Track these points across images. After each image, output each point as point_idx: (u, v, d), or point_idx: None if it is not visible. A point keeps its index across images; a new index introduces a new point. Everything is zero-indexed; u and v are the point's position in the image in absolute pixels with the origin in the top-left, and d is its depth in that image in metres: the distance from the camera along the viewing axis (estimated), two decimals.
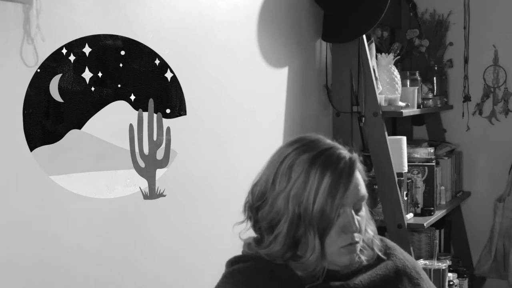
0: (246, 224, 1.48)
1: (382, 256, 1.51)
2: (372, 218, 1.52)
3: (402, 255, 1.56)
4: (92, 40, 1.87)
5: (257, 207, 1.43)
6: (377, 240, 1.52)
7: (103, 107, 1.92)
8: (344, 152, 1.42)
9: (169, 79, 2.13)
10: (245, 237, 1.49)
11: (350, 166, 1.39)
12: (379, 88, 3.00)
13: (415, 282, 1.52)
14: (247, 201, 1.47)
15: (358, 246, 1.42)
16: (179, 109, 2.17)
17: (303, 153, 1.40)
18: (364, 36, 2.94)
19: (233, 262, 1.46)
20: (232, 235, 1.51)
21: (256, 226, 1.46)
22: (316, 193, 1.36)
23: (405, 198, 2.98)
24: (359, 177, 1.43)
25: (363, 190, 1.43)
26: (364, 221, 1.44)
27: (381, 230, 2.98)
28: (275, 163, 1.42)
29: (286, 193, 1.38)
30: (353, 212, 1.40)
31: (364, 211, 1.45)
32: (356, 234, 1.40)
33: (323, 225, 1.36)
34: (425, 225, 3.00)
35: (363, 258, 1.47)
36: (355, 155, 1.43)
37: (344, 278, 1.44)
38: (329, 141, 1.45)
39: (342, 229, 1.38)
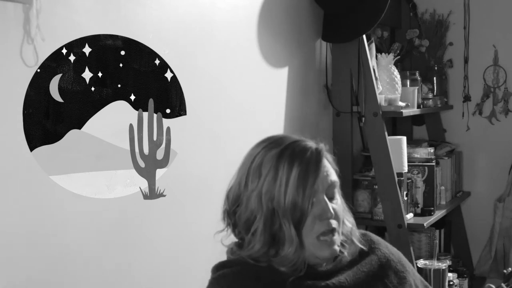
0: (227, 231, 1.49)
1: (363, 247, 1.51)
2: (349, 210, 1.52)
3: (387, 249, 1.57)
4: (92, 40, 1.87)
5: (233, 211, 1.45)
6: (356, 232, 1.52)
7: (103, 107, 1.92)
8: (310, 143, 1.44)
9: (169, 79, 2.13)
10: (227, 243, 1.50)
11: (317, 155, 1.41)
12: (379, 88, 3.00)
13: (400, 275, 1.53)
14: (225, 208, 1.48)
15: (337, 236, 1.43)
16: (179, 109, 2.17)
17: (271, 150, 1.43)
18: (364, 36, 2.94)
19: (218, 268, 1.47)
20: (224, 239, 1.51)
21: (235, 231, 1.47)
22: (286, 185, 1.37)
23: (405, 198, 2.97)
24: (328, 165, 1.44)
25: (333, 176, 1.44)
26: (341, 210, 1.45)
27: (381, 230, 2.99)
28: (246, 165, 1.45)
29: (258, 191, 1.40)
30: (326, 199, 1.41)
31: (339, 200, 1.45)
32: (332, 221, 1.41)
33: (298, 216, 1.38)
34: (425, 225, 3.00)
35: (345, 253, 1.47)
36: (322, 145, 1.45)
37: (328, 276, 1.44)
38: (295, 137, 1.47)
39: (317, 217, 1.39)
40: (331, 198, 1.43)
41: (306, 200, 1.37)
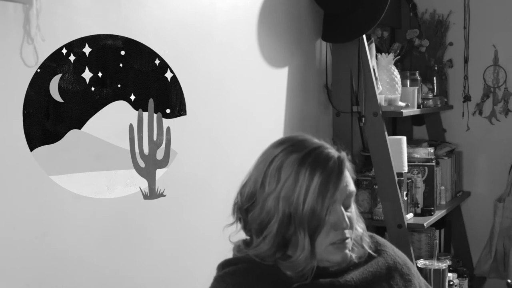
0: (236, 226, 1.48)
1: (372, 253, 1.52)
2: (361, 215, 1.52)
3: (393, 251, 1.57)
4: (92, 40, 1.87)
5: (246, 208, 1.44)
6: (366, 237, 1.52)
7: (103, 107, 1.92)
8: (333, 151, 1.42)
9: (169, 79, 2.13)
10: (235, 240, 1.50)
11: (339, 165, 1.40)
12: (379, 88, 3.00)
13: (406, 278, 1.53)
14: (236, 202, 1.47)
15: (350, 242, 1.43)
16: (179, 109, 2.17)
17: (292, 153, 1.40)
18: (364, 36, 2.94)
19: (224, 265, 1.46)
20: (233, 236, 1.51)
21: (246, 228, 1.47)
22: (306, 193, 1.36)
23: (405, 198, 2.97)
24: (348, 175, 1.43)
25: (351, 187, 1.43)
26: (354, 218, 1.45)
27: (381, 230, 2.98)
28: (264, 164, 1.43)
29: (276, 194, 1.38)
30: (342, 209, 1.40)
31: (353, 207, 1.46)
32: (346, 230, 1.41)
33: (314, 225, 1.37)
34: (425, 225, 3.00)
35: (354, 256, 1.47)
36: (344, 154, 1.43)
37: (333, 276, 1.44)
38: (316, 141, 1.45)
39: (332, 226, 1.39)
40: (346, 207, 1.42)
41: (324, 210, 1.37)
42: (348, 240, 1.42)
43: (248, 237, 1.48)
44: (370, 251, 1.51)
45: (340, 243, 1.40)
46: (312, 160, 1.39)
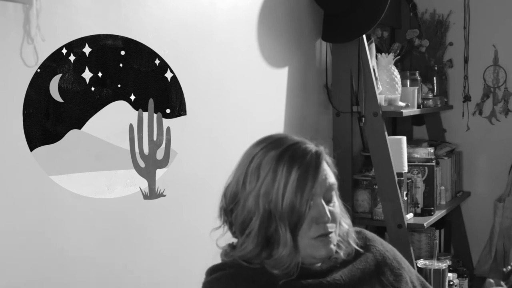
0: (223, 229, 1.48)
1: (359, 249, 1.51)
2: (346, 211, 1.51)
3: (382, 246, 1.56)
4: (92, 40, 1.88)
5: (230, 209, 1.44)
6: (352, 233, 1.52)
7: (103, 107, 1.92)
8: (311, 146, 1.43)
9: (169, 79, 2.13)
10: (222, 245, 1.49)
11: (316, 159, 1.40)
12: (379, 88, 3.00)
13: (396, 272, 1.53)
14: (221, 205, 1.47)
15: (333, 237, 1.42)
16: (179, 109, 2.17)
17: (270, 150, 1.41)
18: (364, 36, 2.94)
19: (211, 271, 1.46)
20: (220, 239, 1.51)
21: (232, 229, 1.47)
22: (285, 188, 1.36)
23: (405, 198, 2.97)
24: (327, 168, 1.43)
25: (331, 179, 1.43)
26: (338, 212, 1.44)
27: (381, 230, 2.99)
28: (244, 164, 1.43)
29: (256, 192, 1.38)
30: (323, 202, 1.40)
31: (337, 202, 1.45)
32: (329, 225, 1.40)
33: (294, 220, 1.37)
34: (425, 225, 3.00)
35: (341, 253, 1.47)
36: (322, 148, 1.44)
37: (321, 275, 1.43)
38: (295, 138, 1.45)
39: (314, 220, 1.39)
40: (328, 201, 1.42)
41: (304, 204, 1.36)
42: (332, 235, 1.41)
43: (234, 240, 1.48)
44: (357, 247, 1.50)
45: (323, 237, 1.40)
46: (289, 155, 1.39)
